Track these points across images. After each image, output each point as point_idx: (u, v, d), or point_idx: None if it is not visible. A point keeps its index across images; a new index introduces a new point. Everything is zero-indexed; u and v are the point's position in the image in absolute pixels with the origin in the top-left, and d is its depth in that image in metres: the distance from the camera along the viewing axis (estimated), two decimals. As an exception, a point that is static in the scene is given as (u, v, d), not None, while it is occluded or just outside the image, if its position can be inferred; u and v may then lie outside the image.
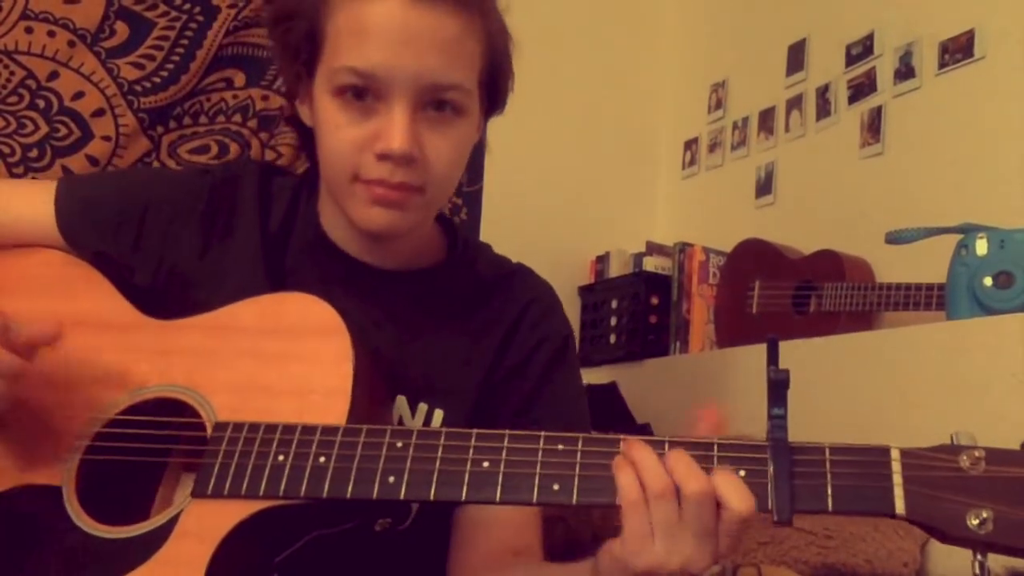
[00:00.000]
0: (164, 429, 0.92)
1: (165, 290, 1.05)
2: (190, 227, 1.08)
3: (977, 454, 0.73)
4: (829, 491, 0.74)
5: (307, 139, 1.07)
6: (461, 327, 1.08)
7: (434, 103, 0.96)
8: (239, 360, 0.93)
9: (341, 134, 0.97)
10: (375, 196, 0.97)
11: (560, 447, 0.79)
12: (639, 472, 0.76)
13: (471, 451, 0.81)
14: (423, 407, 1.03)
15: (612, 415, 2.26)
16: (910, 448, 0.74)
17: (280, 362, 0.92)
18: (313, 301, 0.94)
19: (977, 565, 0.72)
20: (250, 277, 1.04)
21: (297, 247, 1.08)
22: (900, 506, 0.73)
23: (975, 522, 0.70)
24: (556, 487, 0.78)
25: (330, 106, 0.97)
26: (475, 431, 0.82)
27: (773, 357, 0.78)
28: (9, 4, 2.14)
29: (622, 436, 0.79)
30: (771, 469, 0.75)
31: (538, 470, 0.79)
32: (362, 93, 0.95)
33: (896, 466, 0.74)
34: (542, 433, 0.81)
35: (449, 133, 0.98)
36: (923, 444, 0.75)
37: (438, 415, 1.03)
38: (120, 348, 0.98)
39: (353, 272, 1.06)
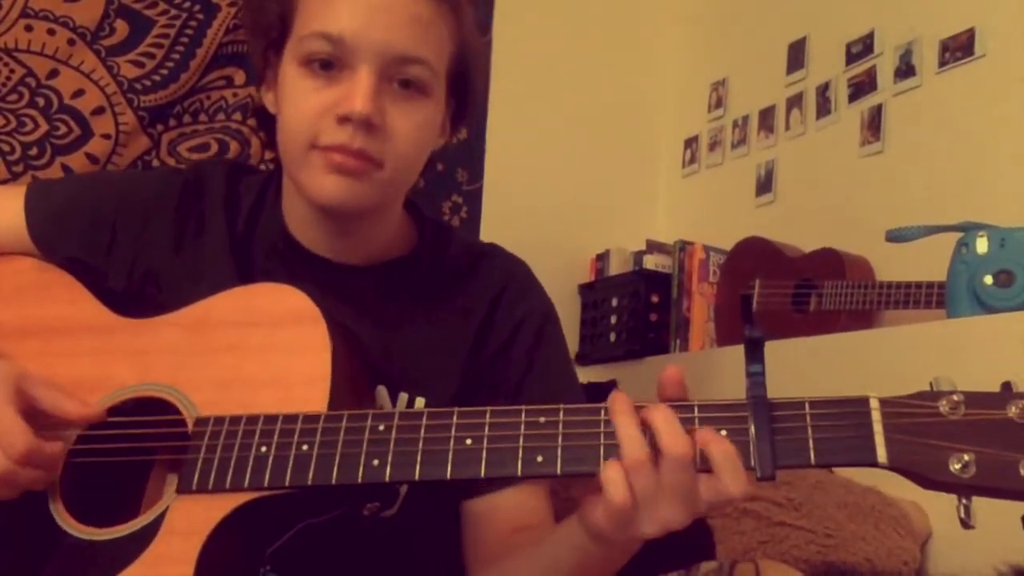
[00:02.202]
0: (146, 428, 0.91)
1: (140, 292, 1.05)
2: (162, 229, 1.08)
3: (956, 398, 0.73)
4: (811, 444, 0.74)
5: (271, 128, 1.06)
6: (437, 314, 1.07)
7: (400, 78, 0.97)
8: (217, 355, 0.93)
9: (304, 100, 0.97)
10: (332, 163, 0.96)
11: (542, 419, 0.80)
12: (618, 437, 0.76)
13: (453, 429, 0.81)
14: (403, 396, 1.03)
15: (612, 413, 2.26)
16: (889, 396, 0.75)
17: (258, 354, 0.91)
18: (287, 291, 0.94)
19: (962, 509, 0.72)
20: (221, 278, 1.04)
21: (263, 248, 1.08)
22: (882, 454, 0.73)
23: (957, 466, 0.71)
24: (540, 459, 0.78)
25: (296, 75, 0.98)
26: (456, 409, 0.82)
27: (747, 315, 0.79)
28: (9, 2, 2.14)
29: (603, 405, 0.79)
30: (752, 426, 0.75)
31: (521, 443, 0.79)
32: (329, 63, 0.96)
33: (876, 415, 0.74)
34: (523, 407, 0.81)
35: (412, 111, 0.98)
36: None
37: (419, 403, 1.03)
38: (98, 351, 0.97)
39: (321, 271, 1.06)
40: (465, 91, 1.06)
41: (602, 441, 0.78)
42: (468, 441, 0.80)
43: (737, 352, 2.45)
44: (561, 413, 0.80)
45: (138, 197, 1.10)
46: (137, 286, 1.06)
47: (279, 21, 1.00)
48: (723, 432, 0.76)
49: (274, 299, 0.94)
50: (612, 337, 2.55)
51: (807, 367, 1.83)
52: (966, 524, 0.71)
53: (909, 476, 0.73)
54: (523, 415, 0.80)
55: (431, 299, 1.08)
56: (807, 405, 0.76)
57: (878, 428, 0.73)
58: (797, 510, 1.55)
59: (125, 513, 0.89)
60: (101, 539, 0.86)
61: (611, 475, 0.75)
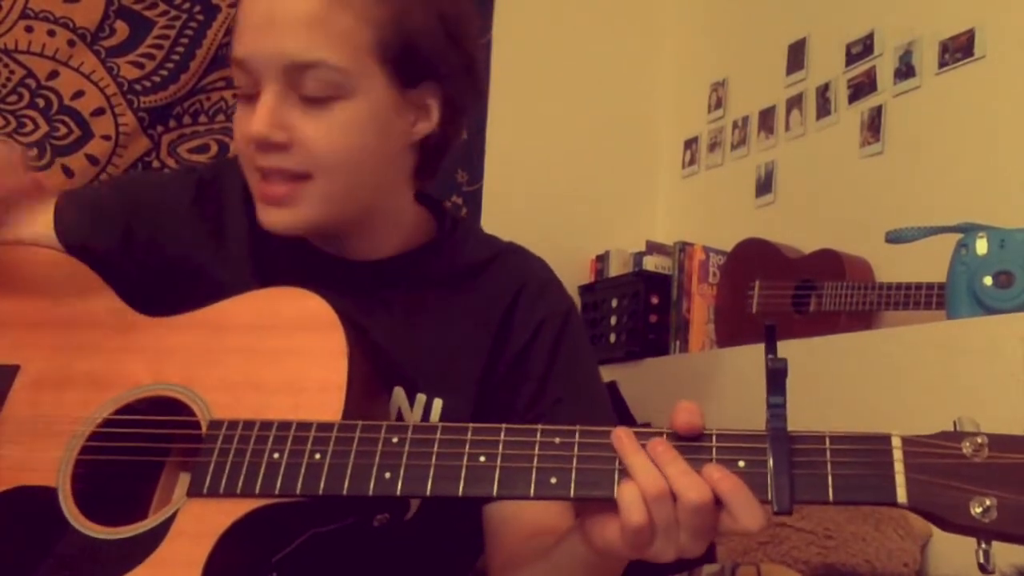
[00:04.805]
0: (159, 428, 0.91)
1: (158, 288, 1.05)
2: (179, 225, 1.08)
3: (980, 440, 0.71)
4: (830, 481, 0.73)
5: None
6: (454, 312, 1.06)
7: (300, 89, 0.94)
8: (233, 357, 0.93)
9: (238, 129, 0.98)
10: (262, 195, 0.98)
11: (557, 440, 0.79)
12: (633, 475, 0.75)
13: (467, 445, 0.80)
14: (421, 398, 1.02)
15: (612, 414, 2.26)
16: (911, 435, 0.73)
17: (275, 358, 0.91)
18: (307, 296, 0.93)
19: (981, 554, 0.70)
20: (239, 275, 1.04)
21: (279, 247, 1.07)
22: (902, 494, 0.71)
23: (978, 510, 0.69)
24: (553, 480, 0.77)
25: (237, 106, 1.00)
26: (471, 425, 0.81)
27: (771, 345, 0.77)
28: (9, 3, 2.14)
29: (620, 428, 0.78)
30: (770, 459, 0.74)
31: (535, 464, 0.78)
32: (249, 87, 0.96)
33: (897, 454, 0.72)
34: (539, 427, 0.80)
35: (325, 115, 0.95)
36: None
37: (437, 404, 1.02)
38: (115, 347, 0.97)
39: (335, 270, 1.05)
40: (421, 68, 0.99)
41: (617, 466, 0.77)
42: (482, 458, 0.79)
43: (737, 353, 2.45)
44: (577, 435, 0.79)
45: (155, 194, 1.11)
46: (153, 283, 1.06)
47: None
48: (741, 463, 0.75)
49: (293, 303, 0.94)
50: (612, 338, 2.55)
51: (807, 368, 1.83)
52: (985, 569, 0.70)
53: (929, 518, 0.71)
54: (538, 434, 0.79)
55: (449, 294, 1.07)
56: (828, 440, 0.74)
57: (899, 468, 0.72)
58: (797, 511, 1.55)
59: (136, 512, 0.89)
60: (110, 538, 0.86)
61: (630, 498, 0.75)
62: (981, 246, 1.69)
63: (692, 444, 0.76)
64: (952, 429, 0.73)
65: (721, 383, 2.14)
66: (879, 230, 1.90)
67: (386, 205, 1.05)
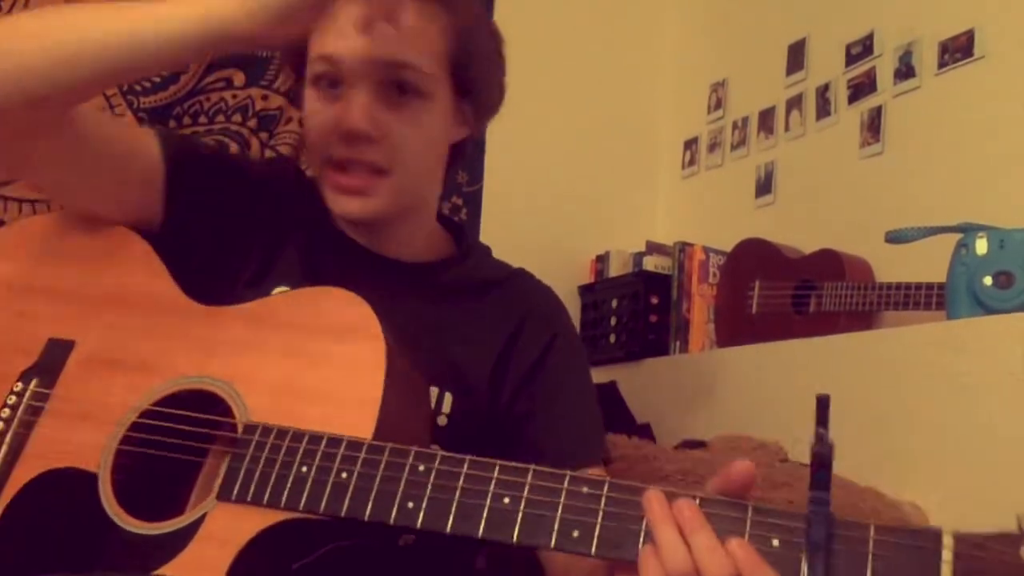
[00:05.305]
0: (197, 426, 0.92)
1: (218, 270, 1.07)
2: (256, 206, 1.12)
3: None
4: (868, 572, 0.68)
5: None
6: (470, 315, 1.13)
7: (395, 85, 1.03)
8: (275, 358, 0.93)
9: (314, 119, 1.06)
10: (339, 185, 1.05)
11: (585, 490, 0.76)
12: (658, 547, 0.72)
13: (493, 484, 0.78)
14: (434, 391, 1.05)
15: (612, 415, 2.26)
16: (965, 533, 0.67)
17: (314, 364, 0.91)
18: (352, 300, 0.94)
19: None
20: (290, 268, 1.09)
21: (321, 240, 1.13)
22: None
23: None
24: (576, 534, 0.75)
25: (309, 95, 1.07)
26: (499, 463, 0.79)
27: (823, 417, 0.71)
28: (9, 3, 2.14)
29: (650, 487, 0.75)
30: (806, 541, 0.69)
31: (559, 513, 0.76)
32: (334, 81, 1.04)
33: (947, 554, 0.67)
34: (567, 472, 0.78)
35: (410, 115, 1.05)
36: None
37: (448, 399, 1.06)
38: (165, 334, 0.98)
39: (373, 262, 1.12)
40: (471, 82, 1.10)
41: (643, 527, 0.74)
42: (506, 500, 0.78)
43: (736, 353, 2.44)
44: (606, 488, 0.76)
45: (254, 168, 1.20)
46: (218, 257, 1.08)
47: (297, 48, 1.09)
48: (775, 542, 0.71)
49: (338, 307, 0.94)
50: (612, 338, 2.55)
51: (807, 368, 1.83)
52: None
53: None
54: (566, 481, 0.77)
55: (466, 301, 1.14)
56: (872, 529, 0.69)
57: (947, 570, 0.66)
58: (797, 511, 1.54)
59: (172, 504, 0.90)
60: (141, 533, 0.87)
61: (653, 574, 0.72)
62: (981, 246, 1.69)
63: (725, 514, 0.73)
64: (1016, 528, 0.66)
65: (721, 383, 2.14)
66: (879, 230, 1.90)
67: (424, 203, 1.16)
